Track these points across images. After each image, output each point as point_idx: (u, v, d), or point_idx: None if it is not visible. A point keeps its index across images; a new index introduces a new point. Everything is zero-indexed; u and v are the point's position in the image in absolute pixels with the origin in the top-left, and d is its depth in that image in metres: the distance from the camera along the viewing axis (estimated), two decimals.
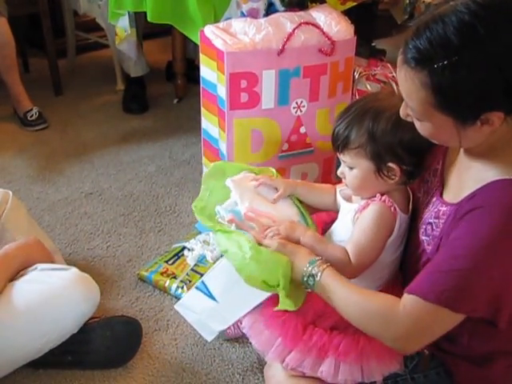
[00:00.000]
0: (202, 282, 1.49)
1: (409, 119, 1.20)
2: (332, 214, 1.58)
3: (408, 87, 1.10)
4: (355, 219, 1.38)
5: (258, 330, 1.41)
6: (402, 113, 1.21)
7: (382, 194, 1.37)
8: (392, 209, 1.35)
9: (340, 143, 1.37)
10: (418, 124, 1.17)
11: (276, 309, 1.30)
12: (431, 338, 1.19)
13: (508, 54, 1.02)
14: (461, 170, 1.24)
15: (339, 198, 1.53)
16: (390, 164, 1.33)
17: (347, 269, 1.34)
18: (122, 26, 2.73)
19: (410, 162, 1.34)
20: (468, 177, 1.20)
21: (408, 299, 1.17)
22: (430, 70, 1.05)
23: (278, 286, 1.29)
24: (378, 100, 1.38)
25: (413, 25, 1.09)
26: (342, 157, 1.39)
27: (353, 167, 1.37)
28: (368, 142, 1.33)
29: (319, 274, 1.25)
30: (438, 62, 1.04)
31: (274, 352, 1.36)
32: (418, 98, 1.09)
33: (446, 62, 1.03)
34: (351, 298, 1.24)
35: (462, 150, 1.25)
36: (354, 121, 1.35)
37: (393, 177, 1.35)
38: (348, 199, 1.49)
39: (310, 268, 1.26)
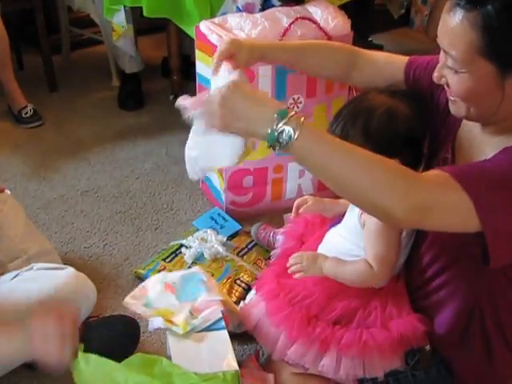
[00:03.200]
0: None
1: (443, 81, 1.17)
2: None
3: (455, 31, 1.08)
4: (361, 219, 1.37)
5: (263, 328, 1.42)
6: (436, 75, 1.18)
7: None
8: None
9: None
10: (455, 80, 1.14)
11: None
12: (436, 221, 1.07)
13: None
14: (480, 151, 1.22)
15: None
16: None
17: (373, 279, 1.35)
18: (118, 21, 2.71)
19: (411, 154, 1.34)
20: (488, 153, 1.16)
21: (437, 173, 1.07)
22: (482, 10, 1.04)
23: None
24: (367, 100, 1.38)
25: None
26: None
27: None
28: (366, 141, 1.32)
29: (297, 132, 1.02)
30: (489, 0, 1.03)
31: (281, 347, 1.37)
32: (465, 41, 1.07)
33: (498, 1, 1.02)
34: (355, 154, 1.05)
35: (479, 131, 1.22)
36: (347, 124, 1.35)
37: None
38: None
39: (280, 122, 1.02)
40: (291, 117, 1.02)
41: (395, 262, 1.36)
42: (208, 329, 1.46)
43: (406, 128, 1.31)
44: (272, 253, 1.72)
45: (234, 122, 1.07)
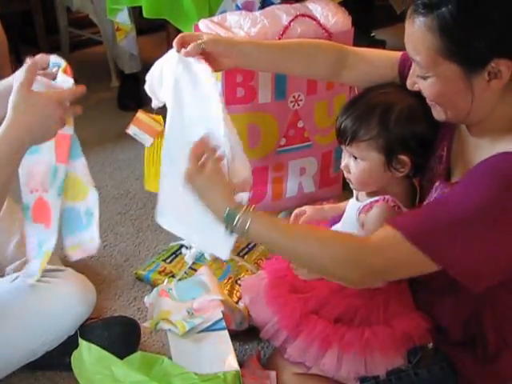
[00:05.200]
0: None
1: (416, 88, 1.18)
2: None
3: (415, 37, 1.10)
4: (359, 218, 1.36)
5: (259, 305, 1.43)
6: (409, 82, 1.20)
7: (385, 194, 1.34)
8: (396, 208, 1.34)
9: (348, 136, 1.35)
10: (425, 85, 1.15)
11: None
12: (394, 277, 1.19)
13: None
14: (469, 152, 1.23)
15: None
16: (401, 156, 1.33)
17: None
18: (123, 20, 2.71)
19: (421, 154, 1.33)
20: (478, 157, 1.17)
21: (387, 232, 1.13)
22: (437, 13, 1.05)
23: None
24: (386, 93, 1.36)
25: None
26: (348, 149, 1.37)
27: (362, 159, 1.36)
28: (380, 134, 1.32)
29: (248, 221, 1.15)
30: (444, 3, 1.04)
31: (270, 329, 1.38)
32: (426, 46, 1.08)
33: (452, 2, 1.04)
34: (305, 236, 1.17)
35: (469, 132, 1.22)
36: (363, 114, 1.34)
37: (402, 169, 1.34)
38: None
39: (235, 215, 1.16)
40: (241, 212, 1.15)
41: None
42: (208, 329, 1.46)
43: (423, 128, 1.31)
44: None
45: (200, 199, 1.21)
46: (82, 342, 1.34)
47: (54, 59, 1.38)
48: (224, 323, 1.46)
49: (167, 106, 1.37)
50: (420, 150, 1.33)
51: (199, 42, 1.28)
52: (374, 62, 1.43)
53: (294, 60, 1.43)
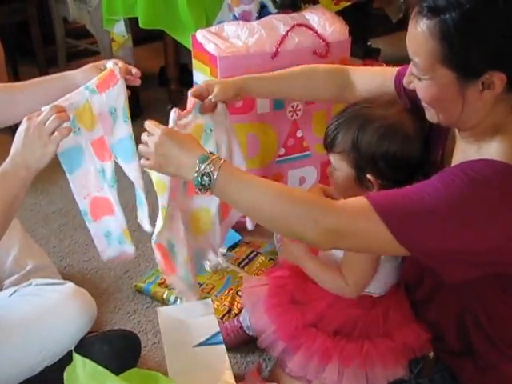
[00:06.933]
0: None
1: (411, 86, 1.18)
2: None
3: (417, 39, 1.10)
4: None
5: (258, 312, 1.43)
6: (405, 80, 1.20)
7: None
8: None
9: (327, 144, 1.36)
10: (420, 86, 1.15)
11: None
12: (350, 245, 1.15)
13: None
14: (457, 153, 1.23)
15: None
16: (369, 176, 1.31)
17: (346, 293, 1.34)
18: (119, 31, 2.70)
19: (390, 178, 1.30)
20: (462, 160, 1.18)
21: (358, 200, 1.12)
22: (441, 19, 1.05)
23: None
24: (370, 108, 1.35)
25: None
26: (330, 156, 1.38)
27: (337, 169, 1.36)
28: (351, 149, 1.31)
29: (216, 172, 1.12)
30: (449, 10, 1.04)
31: (266, 338, 1.38)
32: (426, 49, 1.08)
33: (456, 11, 1.03)
34: (270, 190, 1.14)
35: (459, 135, 1.23)
36: (343, 124, 1.33)
37: (371, 188, 1.33)
38: None
39: (201, 166, 1.13)
40: (210, 161, 1.12)
41: (368, 279, 1.35)
42: (205, 343, 1.44)
43: (395, 150, 1.28)
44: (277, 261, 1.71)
45: (166, 166, 1.19)
46: (77, 357, 1.32)
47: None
48: (221, 337, 1.44)
49: None
50: (389, 174, 1.29)
51: (210, 98, 1.39)
52: (372, 80, 1.45)
53: (296, 87, 1.49)
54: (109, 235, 1.54)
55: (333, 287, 1.35)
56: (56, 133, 1.26)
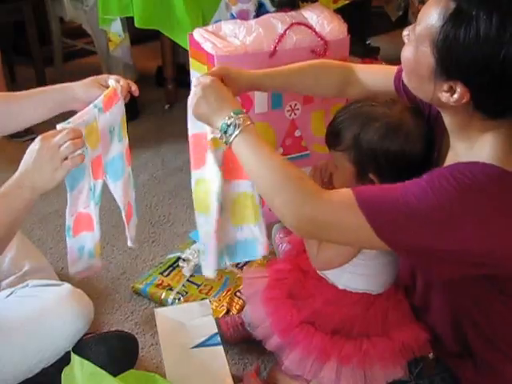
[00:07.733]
0: None
1: (405, 39, 1.17)
2: None
3: (427, 11, 1.09)
4: None
5: (255, 303, 1.43)
6: (404, 33, 1.19)
7: None
8: None
9: (329, 141, 1.36)
10: (405, 46, 1.15)
11: None
12: (330, 236, 1.16)
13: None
14: (449, 155, 1.23)
15: None
16: (370, 174, 1.30)
17: (313, 260, 1.35)
18: (115, 30, 2.70)
19: (391, 177, 1.26)
20: (448, 158, 1.20)
21: (344, 191, 1.13)
22: (457, 8, 1.03)
23: None
24: (373, 106, 1.33)
25: None
26: (331, 153, 1.37)
27: (339, 166, 1.35)
28: (353, 148, 1.29)
29: (240, 128, 1.19)
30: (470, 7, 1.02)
31: (263, 330, 1.38)
32: (428, 23, 1.08)
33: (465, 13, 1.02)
34: (273, 162, 1.18)
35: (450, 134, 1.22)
36: (345, 122, 1.32)
37: None
38: None
39: (233, 117, 1.20)
40: (241, 117, 1.19)
41: (337, 264, 1.34)
42: (203, 344, 1.43)
43: (397, 149, 1.26)
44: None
45: (203, 106, 1.26)
46: (75, 357, 1.31)
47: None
48: (219, 338, 1.44)
49: None
50: (390, 171, 1.28)
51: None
52: (373, 78, 1.45)
53: (303, 84, 1.50)
54: (82, 249, 1.51)
55: (308, 248, 1.36)
56: (69, 160, 1.23)
